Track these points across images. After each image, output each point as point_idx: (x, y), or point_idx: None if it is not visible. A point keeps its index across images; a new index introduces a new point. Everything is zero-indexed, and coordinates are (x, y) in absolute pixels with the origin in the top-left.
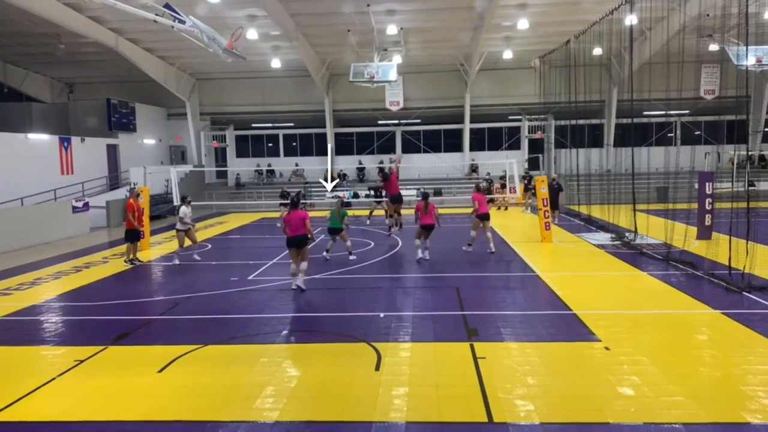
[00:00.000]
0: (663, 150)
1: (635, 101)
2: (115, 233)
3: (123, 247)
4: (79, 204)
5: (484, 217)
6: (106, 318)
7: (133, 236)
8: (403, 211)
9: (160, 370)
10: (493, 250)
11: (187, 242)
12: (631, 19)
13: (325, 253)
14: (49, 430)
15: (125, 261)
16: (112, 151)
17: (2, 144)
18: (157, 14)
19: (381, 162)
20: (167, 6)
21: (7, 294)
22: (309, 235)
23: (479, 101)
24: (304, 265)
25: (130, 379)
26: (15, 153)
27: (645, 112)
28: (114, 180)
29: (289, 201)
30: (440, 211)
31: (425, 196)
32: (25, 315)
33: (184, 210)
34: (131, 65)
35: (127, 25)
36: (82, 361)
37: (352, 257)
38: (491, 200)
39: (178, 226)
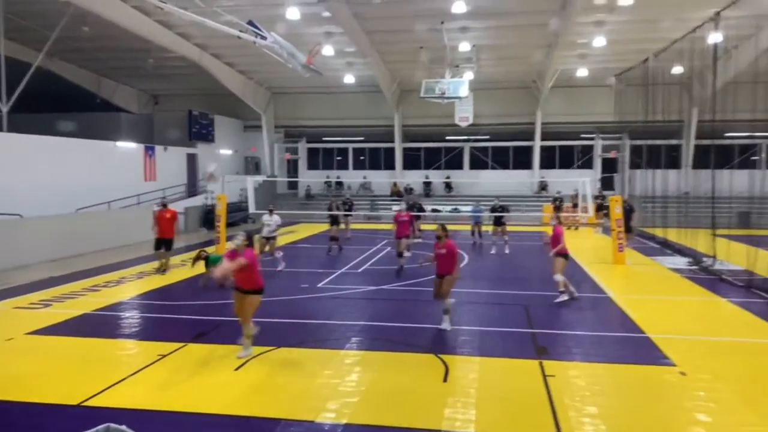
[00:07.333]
0: (747, 173)
1: (717, 122)
2: (192, 237)
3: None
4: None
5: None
6: (185, 317)
7: (160, 245)
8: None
9: (237, 369)
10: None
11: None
12: (715, 37)
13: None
14: (135, 417)
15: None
16: (192, 160)
17: (94, 151)
18: (240, 30)
19: (448, 177)
20: (250, 23)
21: (96, 290)
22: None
23: (551, 119)
24: (250, 328)
25: (209, 375)
26: (105, 159)
27: (727, 134)
28: (192, 187)
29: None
30: (508, 228)
31: (441, 230)
32: (112, 311)
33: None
34: (212, 79)
35: (211, 41)
36: (164, 356)
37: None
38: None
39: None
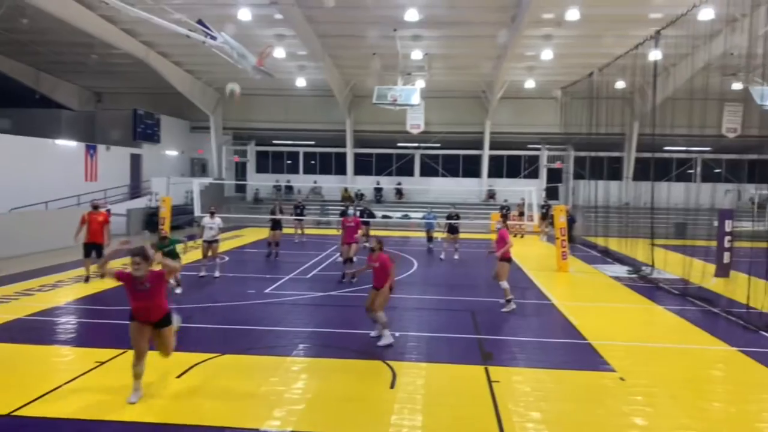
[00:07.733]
0: (683, 186)
1: (656, 136)
2: (134, 240)
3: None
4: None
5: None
6: (124, 322)
7: (90, 251)
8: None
9: (179, 376)
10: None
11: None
12: (655, 55)
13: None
14: (69, 428)
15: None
16: (136, 161)
17: (31, 148)
18: (189, 30)
19: (399, 183)
20: (200, 22)
21: (30, 294)
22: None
23: (499, 128)
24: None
25: (150, 383)
26: (43, 158)
27: (666, 148)
28: (136, 189)
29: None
30: (460, 235)
31: (376, 243)
32: (47, 316)
33: (205, 221)
34: (159, 77)
35: (159, 38)
36: (102, 363)
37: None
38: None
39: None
